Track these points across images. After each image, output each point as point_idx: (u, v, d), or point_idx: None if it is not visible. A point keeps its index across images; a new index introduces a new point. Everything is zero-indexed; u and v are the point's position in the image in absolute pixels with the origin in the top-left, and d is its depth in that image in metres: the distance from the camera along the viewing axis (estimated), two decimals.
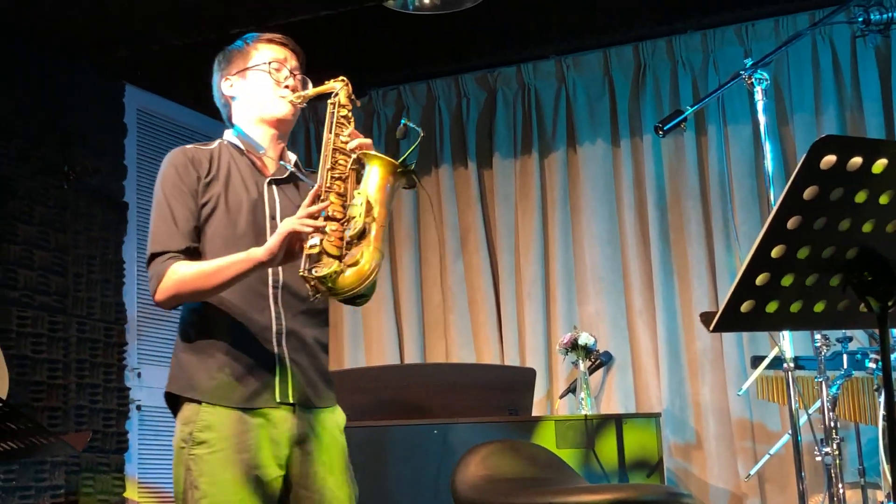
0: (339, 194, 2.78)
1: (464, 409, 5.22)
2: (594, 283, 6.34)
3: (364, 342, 6.69)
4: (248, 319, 2.85)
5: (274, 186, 2.97)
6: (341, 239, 2.70)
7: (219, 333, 2.84)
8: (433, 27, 5.89)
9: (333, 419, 2.98)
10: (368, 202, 2.71)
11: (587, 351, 5.81)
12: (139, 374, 6.20)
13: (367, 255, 2.68)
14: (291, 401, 2.85)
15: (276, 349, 2.85)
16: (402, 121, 3.15)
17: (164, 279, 2.79)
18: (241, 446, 2.77)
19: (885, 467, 4.33)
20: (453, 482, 3.55)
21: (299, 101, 2.99)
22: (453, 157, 6.80)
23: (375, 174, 2.77)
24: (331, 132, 2.86)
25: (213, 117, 6.94)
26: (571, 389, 5.91)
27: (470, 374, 5.54)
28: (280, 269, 2.87)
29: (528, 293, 6.47)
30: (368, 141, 2.87)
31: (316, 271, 2.67)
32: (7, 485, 5.25)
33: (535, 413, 5.79)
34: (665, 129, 3.87)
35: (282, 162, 3.03)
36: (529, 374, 5.59)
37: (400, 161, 2.80)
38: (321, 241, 2.68)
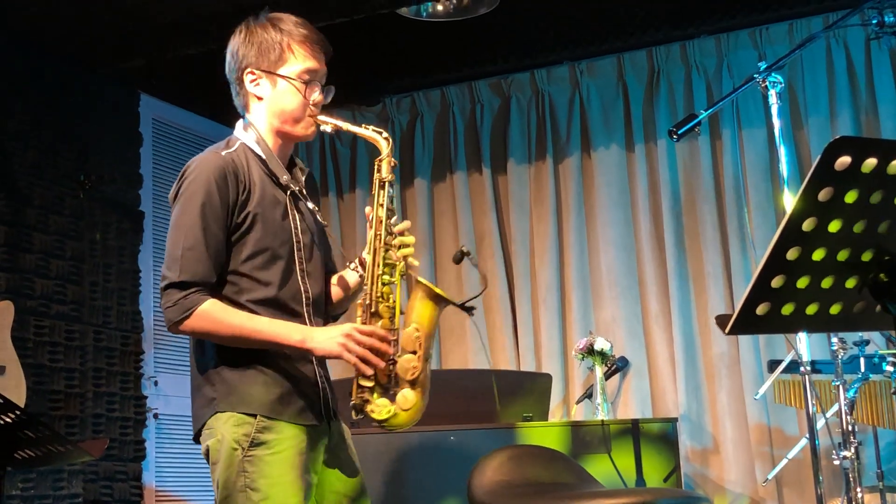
0: (388, 307, 2.79)
1: (480, 414, 5.21)
2: (610, 287, 6.33)
3: None
4: None
5: (294, 199, 2.90)
6: (390, 371, 2.74)
7: (262, 353, 2.76)
8: (447, 34, 5.90)
9: (343, 426, 2.99)
10: (426, 344, 2.74)
11: (603, 356, 5.80)
12: (156, 383, 6.22)
13: (418, 402, 2.74)
14: (327, 416, 2.87)
15: (315, 367, 2.85)
16: (463, 249, 3.01)
17: (194, 316, 2.68)
18: (297, 449, 2.75)
19: None
20: (470, 487, 3.55)
21: (330, 128, 2.90)
22: (468, 164, 6.81)
23: (426, 303, 2.78)
24: (377, 227, 2.83)
25: (229, 125, 7.03)
26: (588, 395, 5.90)
27: (486, 379, 5.52)
28: (308, 285, 2.85)
29: (543, 298, 6.46)
30: (410, 246, 2.85)
31: (371, 411, 2.74)
32: (26, 493, 5.27)
33: (551, 418, 5.78)
34: (679, 133, 3.87)
35: (286, 177, 2.96)
36: (546, 380, 5.58)
37: (462, 303, 2.80)
38: (375, 375, 2.73)
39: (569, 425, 5.08)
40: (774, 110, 3.83)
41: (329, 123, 2.90)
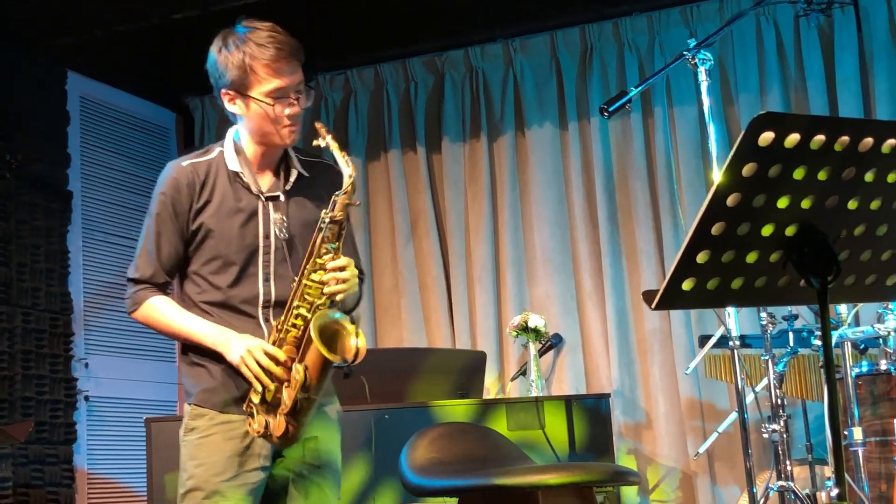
0: (296, 337, 2.86)
1: (415, 393, 5.21)
2: (544, 265, 6.35)
3: None
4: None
5: (270, 203, 2.98)
6: (280, 395, 2.84)
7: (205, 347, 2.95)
8: (380, 11, 5.87)
9: (321, 414, 3.02)
10: (306, 379, 2.80)
11: (537, 333, 5.83)
12: (87, 365, 6.14)
13: (285, 433, 2.83)
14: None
15: None
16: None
17: (140, 309, 3.01)
18: (228, 434, 2.91)
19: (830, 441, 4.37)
20: (402, 465, 3.55)
21: (323, 143, 2.94)
22: (402, 142, 6.78)
23: (315, 352, 2.81)
24: (310, 258, 2.88)
25: (158, 103, 6.95)
26: (522, 372, 5.93)
27: (421, 358, 5.53)
28: (273, 287, 2.94)
29: (478, 277, 6.47)
30: (345, 284, 2.87)
31: (250, 423, 2.87)
32: None
33: (486, 396, 5.80)
34: (610, 110, 3.89)
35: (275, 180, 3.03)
36: (480, 358, 5.60)
37: (344, 368, 2.83)
38: (264, 392, 2.85)
39: (503, 402, 5.11)
40: (704, 87, 3.87)
41: (324, 138, 2.96)
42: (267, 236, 2.95)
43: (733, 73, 6.14)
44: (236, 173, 2.98)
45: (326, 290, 2.85)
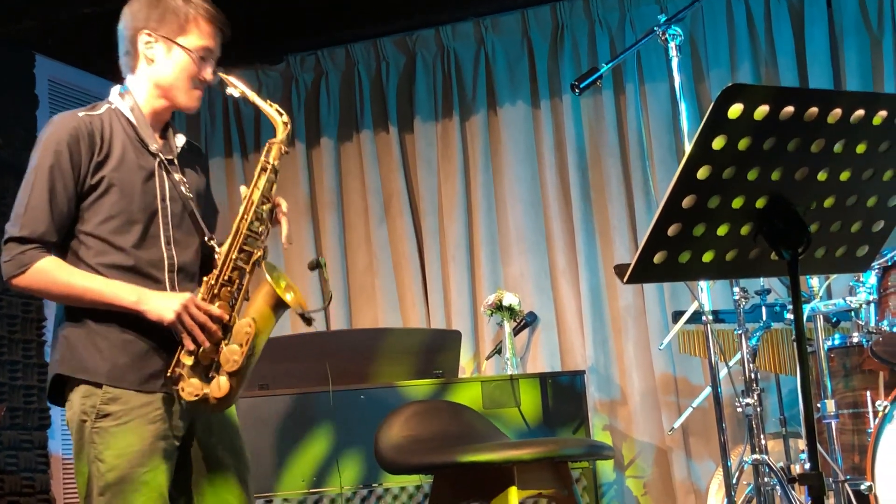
0: (231, 292, 2.77)
1: (391, 373, 5.22)
2: (517, 244, 6.36)
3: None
4: None
5: (163, 167, 2.86)
6: (215, 355, 2.72)
7: (112, 315, 2.73)
8: None
9: None
10: (256, 334, 2.72)
11: (512, 311, 5.83)
12: None
13: (231, 393, 2.71)
14: None
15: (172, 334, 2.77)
16: (320, 260, 2.99)
17: (30, 272, 2.69)
18: (148, 418, 2.73)
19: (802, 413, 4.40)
20: (377, 443, 3.55)
21: (237, 93, 2.89)
22: (374, 122, 6.76)
23: (267, 300, 2.76)
24: (245, 211, 2.81)
25: None
26: (497, 350, 5.94)
27: (396, 338, 5.53)
28: (175, 252, 2.82)
29: (452, 256, 6.47)
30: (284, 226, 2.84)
31: (181, 388, 2.70)
32: None
33: (461, 375, 5.81)
34: (581, 86, 3.88)
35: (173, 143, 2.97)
36: (455, 337, 5.61)
37: (302, 313, 2.78)
38: (198, 352, 2.70)
39: (478, 381, 5.12)
40: (675, 63, 3.86)
41: (237, 88, 2.90)
42: (164, 199, 2.82)
43: (704, 50, 6.15)
44: (134, 128, 2.83)
45: (284, 237, 2.81)
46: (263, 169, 2.84)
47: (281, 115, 2.88)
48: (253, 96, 2.89)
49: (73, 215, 2.75)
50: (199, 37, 2.86)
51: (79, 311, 2.75)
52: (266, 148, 2.86)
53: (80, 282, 2.70)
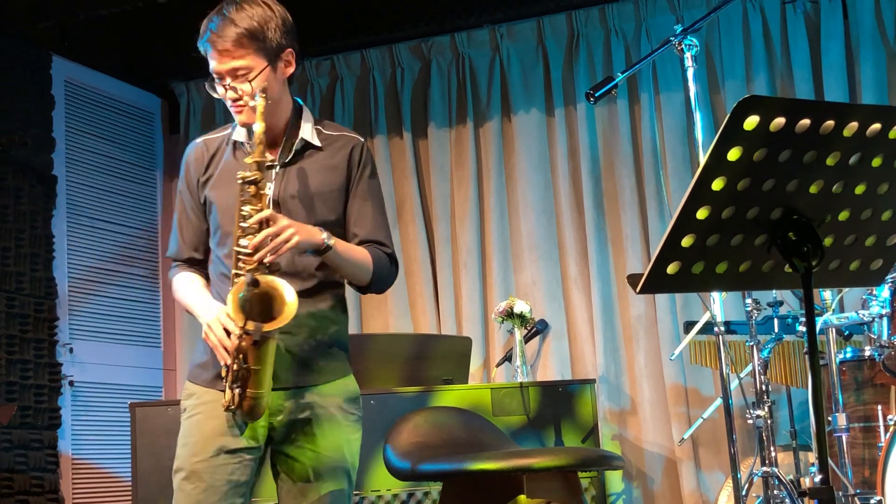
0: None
1: (401, 379, 5.21)
2: (530, 251, 6.35)
3: None
4: None
5: (273, 171, 2.88)
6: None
7: None
8: None
9: (330, 393, 2.94)
10: (240, 346, 2.72)
11: (523, 319, 5.83)
12: (71, 350, 6.12)
13: (245, 403, 2.76)
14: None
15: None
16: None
17: (172, 285, 3.08)
18: (212, 413, 2.86)
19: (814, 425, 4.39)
20: (386, 448, 3.55)
21: (246, 119, 2.86)
22: (388, 128, 6.77)
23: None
24: (236, 227, 2.79)
25: (144, 88, 6.92)
26: (507, 358, 5.93)
27: (406, 343, 5.53)
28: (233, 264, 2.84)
29: (464, 262, 6.47)
30: (277, 245, 2.73)
31: (227, 397, 2.79)
32: None
33: (471, 382, 5.80)
34: (597, 95, 3.88)
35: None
36: (466, 343, 5.60)
37: (252, 332, 2.70)
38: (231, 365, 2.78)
39: (488, 388, 5.11)
40: (690, 73, 3.85)
41: (252, 116, 2.88)
42: (277, 202, 2.88)
43: (720, 60, 6.15)
44: (239, 144, 2.95)
45: (255, 257, 2.71)
46: (240, 183, 2.79)
47: (260, 122, 2.79)
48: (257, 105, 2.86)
49: (204, 233, 3.03)
50: (210, 62, 2.88)
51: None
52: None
53: (183, 296, 3.01)
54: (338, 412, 2.95)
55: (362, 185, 2.99)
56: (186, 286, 3.01)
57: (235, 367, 2.74)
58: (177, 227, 3.06)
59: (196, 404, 2.91)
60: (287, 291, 2.70)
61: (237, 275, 2.76)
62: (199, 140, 3.07)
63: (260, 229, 2.73)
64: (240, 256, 2.76)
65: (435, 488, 4.84)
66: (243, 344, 2.71)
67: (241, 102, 2.86)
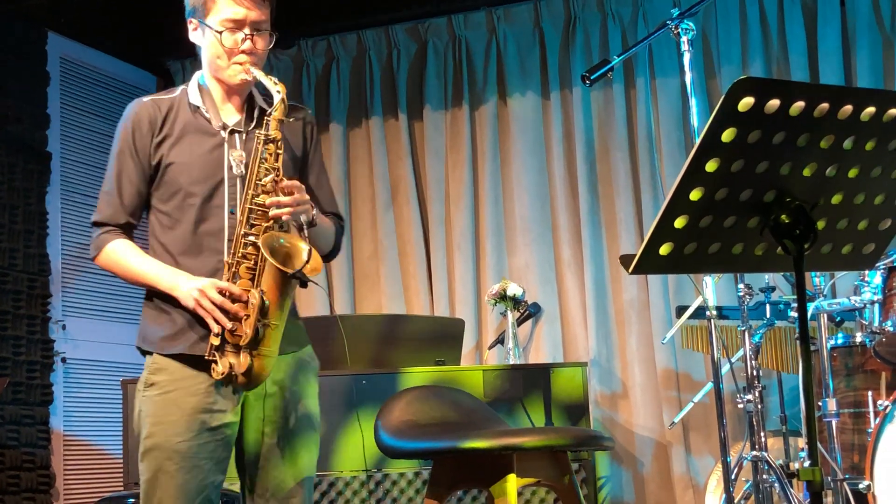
0: (249, 268, 2.80)
1: (393, 359, 5.22)
2: (523, 234, 6.36)
3: (296, 292, 6.64)
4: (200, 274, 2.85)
5: (234, 136, 2.91)
6: (242, 333, 2.76)
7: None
8: None
9: (295, 363, 2.97)
10: (263, 303, 2.74)
11: (516, 302, 5.84)
12: (64, 327, 6.12)
13: (251, 368, 2.74)
14: None
15: None
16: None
17: (102, 254, 2.93)
18: (190, 390, 2.81)
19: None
20: (377, 428, 3.55)
21: (249, 77, 2.88)
22: (384, 109, 6.76)
23: (271, 271, 2.76)
24: (248, 185, 2.82)
25: (139, 66, 6.90)
26: (500, 340, 5.95)
27: (399, 324, 5.54)
28: (238, 222, 2.84)
29: (457, 245, 6.48)
30: (288, 207, 2.79)
31: (213, 368, 2.76)
32: None
33: (463, 363, 5.82)
34: (592, 78, 3.88)
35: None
36: (458, 325, 5.61)
37: (292, 273, 2.73)
38: (223, 333, 2.76)
39: (480, 370, 5.12)
40: (687, 58, 3.85)
41: (251, 75, 2.90)
42: (231, 168, 2.88)
43: (716, 46, 6.15)
44: (196, 107, 2.92)
45: (271, 213, 2.78)
46: (259, 141, 2.84)
47: (276, 84, 2.87)
48: (258, 73, 2.89)
49: (144, 195, 2.93)
50: (219, 9, 2.88)
51: (150, 291, 2.91)
52: (264, 122, 2.86)
53: (135, 265, 2.89)
54: (309, 376, 3.01)
55: (318, 157, 3.09)
56: (136, 255, 2.90)
57: (249, 328, 2.72)
58: (115, 189, 2.91)
59: (170, 380, 2.82)
60: (305, 244, 2.75)
61: (247, 234, 2.79)
62: (145, 98, 2.96)
63: (274, 191, 2.79)
64: (254, 216, 2.79)
65: (408, 469, 4.87)
66: (255, 299, 2.73)
67: (253, 57, 2.90)
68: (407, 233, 6.62)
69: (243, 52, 2.88)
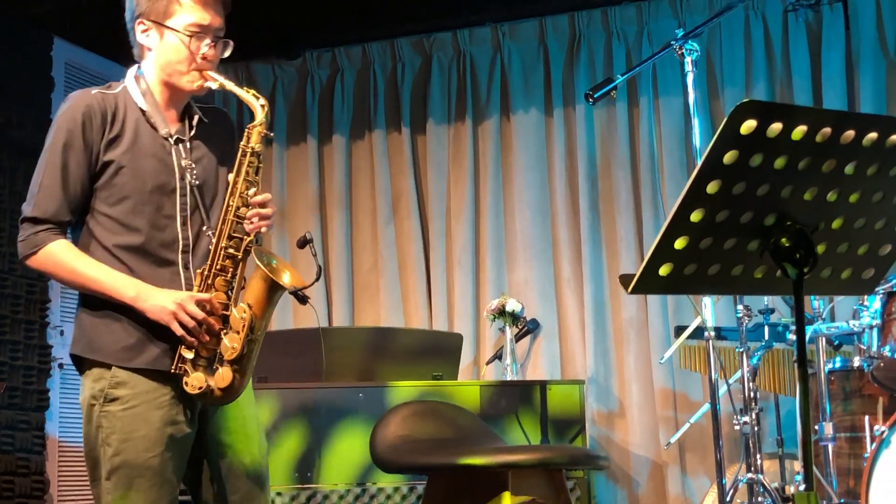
0: (226, 280, 2.77)
1: (390, 373, 5.21)
2: (524, 250, 6.36)
3: (291, 304, 6.64)
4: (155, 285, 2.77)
5: (180, 146, 2.86)
6: (216, 347, 2.73)
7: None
8: None
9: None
10: (252, 319, 2.73)
11: (514, 317, 5.84)
12: (62, 332, 6.11)
13: (234, 382, 2.73)
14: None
15: None
16: (307, 235, 3.05)
17: (41, 254, 2.72)
18: (155, 403, 2.75)
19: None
20: (373, 442, 3.55)
21: (215, 85, 2.84)
22: (387, 122, 6.77)
23: (262, 284, 2.76)
24: (230, 197, 2.80)
25: None
26: (498, 356, 5.94)
27: (397, 338, 5.53)
28: (190, 233, 2.82)
29: (458, 259, 6.48)
30: (267, 220, 2.80)
31: (185, 383, 2.71)
32: None
33: (461, 378, 5.81)
34: (596, 96, 3.89)
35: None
36: (456, 340, 5.61)
37: (295, 291, 2.76)
38: (196, 349, 2.72)
39: (477, 385, 5.11)
40: (690, 78, 3.86)
41: (215, 80, 2.86)
42: (182, 178, 2.82)
43: (720, 67, 6.15)
44: (143, 111, 2.83)
45: (248, 226, 2.76)
46: (244, 154, 2.83)
47: (258, 98, 2.86)
48: (229, 85, 2.86)
49: (87, 193, 2.77)
50: (185, 13, 2.82)
51: (92, 298, 2.77)
52: (246, 133, 2.85)
53: (85, 270, 2.72)
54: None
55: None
56: (85, 260, 2.73)
57: (238, 343, 2.71)
58: (58, 184, 2.71)
59: (134, 394, 2.72)
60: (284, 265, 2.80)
61: (227, 247, 2.77)
62: (93, 90, 2.83)
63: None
64: (236, 227, 2.78)
65: (402, 484, 4.85)
66: (246, 314, 2.72)
67: (212, 64, 2.87)
68: (407, 246, 6.62)
69: (205, 58, 2.85)
